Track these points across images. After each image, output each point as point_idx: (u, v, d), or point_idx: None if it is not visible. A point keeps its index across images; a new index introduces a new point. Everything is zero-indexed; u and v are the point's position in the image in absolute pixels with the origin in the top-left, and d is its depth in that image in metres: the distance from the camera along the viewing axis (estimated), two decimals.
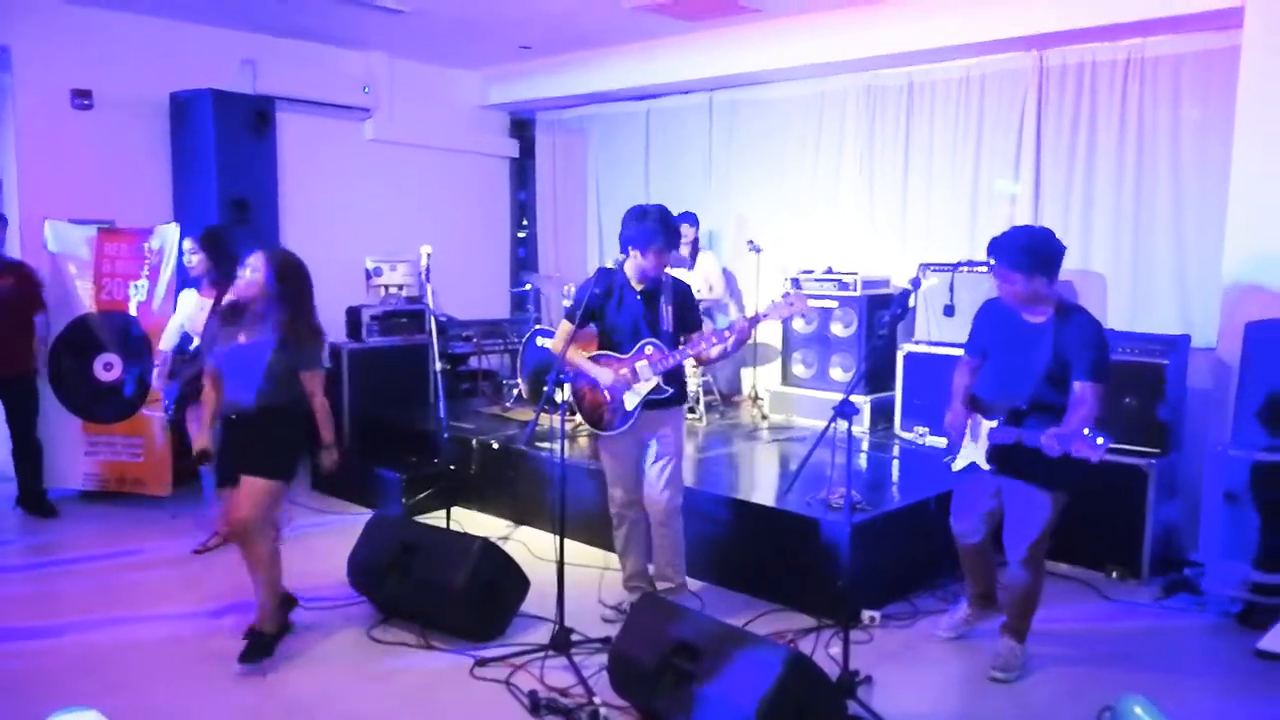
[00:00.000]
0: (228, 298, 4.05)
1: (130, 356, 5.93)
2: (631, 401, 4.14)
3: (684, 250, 6.98)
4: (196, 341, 5.04)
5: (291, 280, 3.86)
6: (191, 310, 5.18)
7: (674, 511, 4.26)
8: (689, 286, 4.34)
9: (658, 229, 4.05)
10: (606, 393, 4.18)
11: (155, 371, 5.27)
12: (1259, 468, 4.33)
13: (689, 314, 4.23)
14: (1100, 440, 3.22)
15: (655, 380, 4.09)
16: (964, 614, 4.21)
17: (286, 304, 3.84)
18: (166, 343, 5.32)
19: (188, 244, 5.26)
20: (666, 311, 4.13)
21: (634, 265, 4.14)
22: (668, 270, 4.23)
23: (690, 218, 7.02)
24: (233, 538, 4.07)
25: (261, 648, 3.88)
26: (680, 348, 4.12)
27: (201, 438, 4.08)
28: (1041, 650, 4.01)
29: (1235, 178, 4.89)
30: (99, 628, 4.25)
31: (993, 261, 3.68)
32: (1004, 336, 3.80)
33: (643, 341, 4.13)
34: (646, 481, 4.25)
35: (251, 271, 3.84)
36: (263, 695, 3.67)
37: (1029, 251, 3.59)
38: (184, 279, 5.49)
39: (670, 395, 4.14)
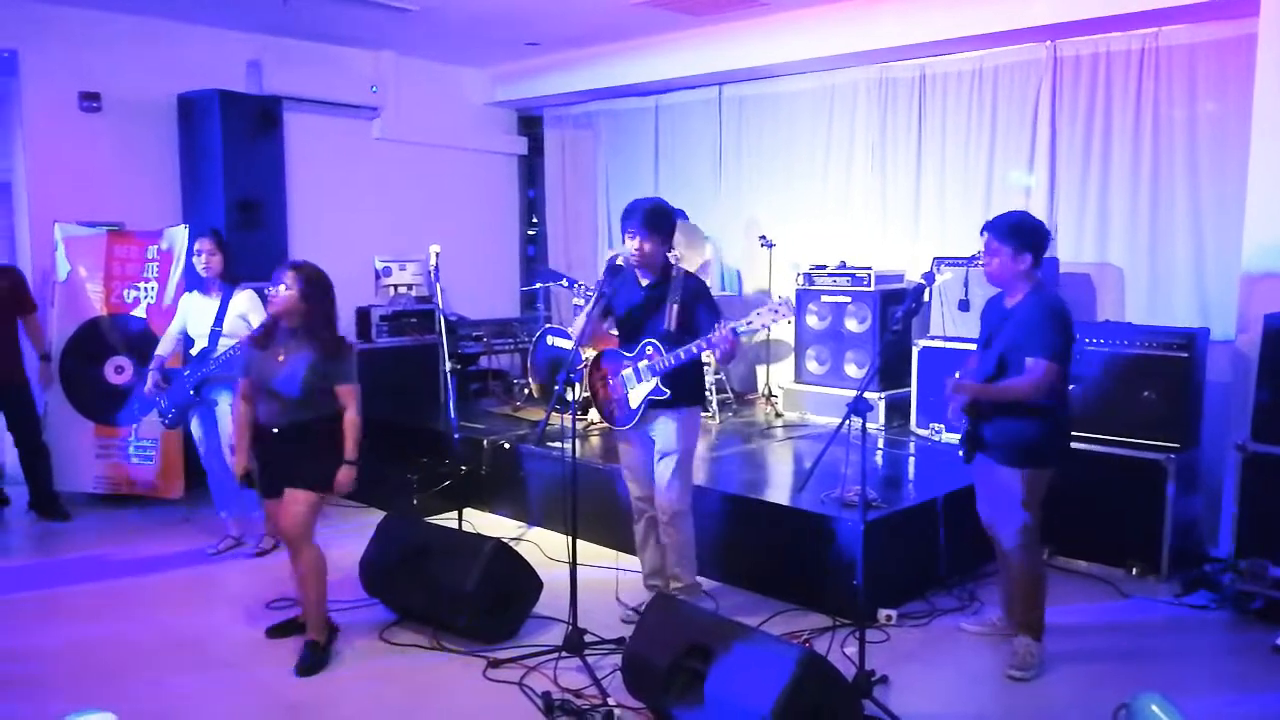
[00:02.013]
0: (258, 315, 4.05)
1: (142, 359, 5.93)
2: (635, 400, 4.13)
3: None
4: (202, 344, 4.99)
5: (320, 291, 3.87)
6: (200, 314, 5.05)
7: (679, 513, 4.22)
8: (702, 285, 4.16)
9: (624, 214, 4.08)
10: (614, 388, 4.19)
11: (150, 378, 5.09)
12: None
13: (695, 315, 4.03)
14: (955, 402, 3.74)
15: (655, 381, 4.05)
16: (995, 622, 4.16)
17: (318, 315, 3.85)
18: (163, 348, 5.18)
19: (206, 244, 5.03)
20: (671, 310, 4.02)
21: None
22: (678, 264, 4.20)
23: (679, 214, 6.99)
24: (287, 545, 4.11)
25: (318, 659, 3.88)
26: (676, 352, 3.98)
27: (241, 460, 4.10)
28: (1058, 647, 3.97)
29: (1253, 168, 4.83)
30: (112, 630, 4.25)
31: (988, 243, 3.74)
32: (991, 323, 3.89)
33: (644, 341, 4.09)
34: (655, 480, 4.22)
35: (285, 288, 3.82)
36: (275, 697, 3.66)
37: (1019, 227, 3.70)
38: (191, 282, 5.30)
39: (669, 398, 4.05)
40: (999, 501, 3.83)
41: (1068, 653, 3.96)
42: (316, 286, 3.86)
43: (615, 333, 4.28)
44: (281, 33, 7.26)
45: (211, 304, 5.01)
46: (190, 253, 5.16)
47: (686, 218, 7.06)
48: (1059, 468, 3.83)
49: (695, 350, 3.94)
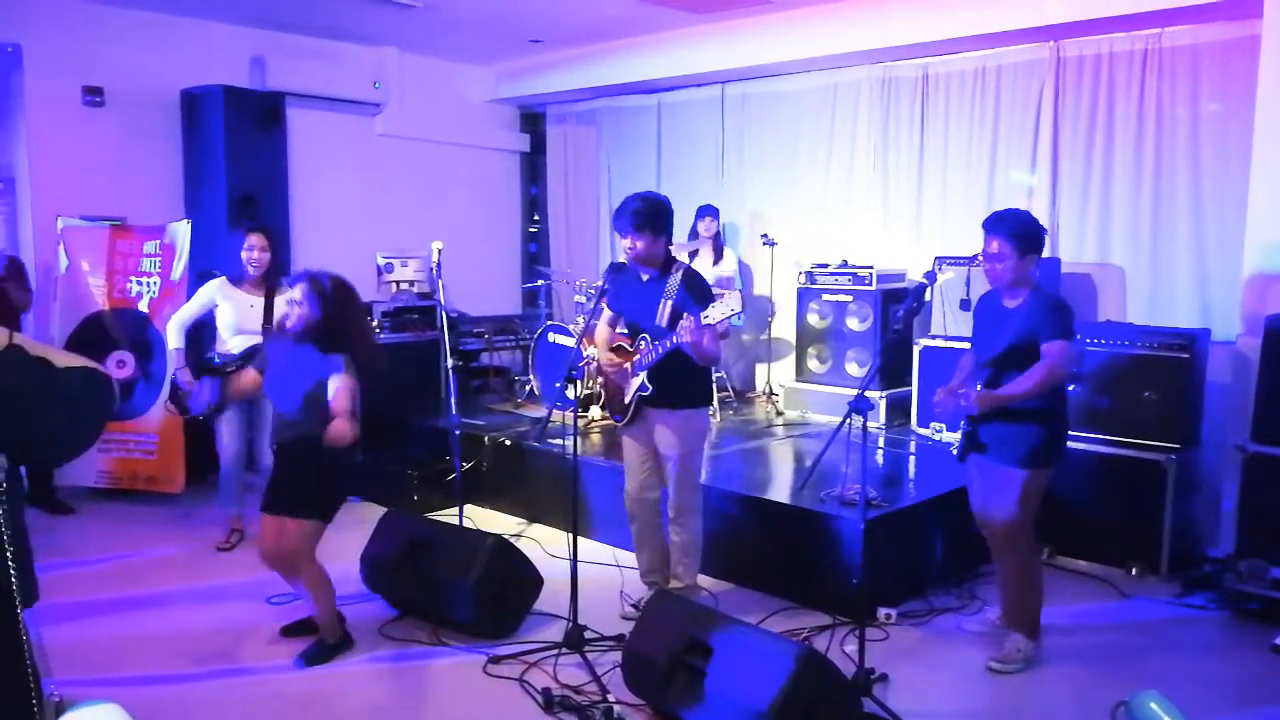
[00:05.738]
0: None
1: (143, 354, 5.93)
2: (627, 394, 4.15)
3: (707, 244, 6.97)
4: (244, 340, 4.94)
5: (338, 304, 3.76)
6: (235, 307, 5.01)
7: (685, 511, 4.22)
8: (695, 281, 4.08)
9: (614, 215, 4.09)
10: (615, 382, 4.22)
11: (179, 372, 5.05)
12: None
13: (682, 311, 3.95)
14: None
15: (641, 377, 4.06)
16: (995, 621, 4.16)
17: (337, 330, 3.74)
18: (176, 340, 5.13)
19: (259, 240, 5.05)
20: (663, 306, 4.01)
21: None
22: (682, 260, 4.20)
23: (710, 210, 6.97)
24: (274, 568, 3.98)
25: (323, 653, 3.87)
26: (654, 347, 3.97)
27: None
28: (1058, 646, 3.98)
29: (1256, 169, 4.83)
30: (112, 624, 4.26)
31: (995, 246, 3.70)
32: (988, 322, 3.89)
33: (641, 335, 4.11)
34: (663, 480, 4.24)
35: (293, 303, 3.72)
36: (276, 691, 3.67)
37: (1029, 231, 3.71)
38: (235, 273, 5.11)
39: (652, 394, 4.05)
40: (997, 502, 3.83)
41: (1067, 651, 3.97)
42: (331, 300, 3.73)
43: (623, 330, 4.28)
44: (285, 28, 7.26)
45: (250, 299, 5.03)
46: (187, 246, 5.13)
47: (717, 214, 7.03)
48: (1058, 468, 3.86)
49: (665, 346, 3.91)
